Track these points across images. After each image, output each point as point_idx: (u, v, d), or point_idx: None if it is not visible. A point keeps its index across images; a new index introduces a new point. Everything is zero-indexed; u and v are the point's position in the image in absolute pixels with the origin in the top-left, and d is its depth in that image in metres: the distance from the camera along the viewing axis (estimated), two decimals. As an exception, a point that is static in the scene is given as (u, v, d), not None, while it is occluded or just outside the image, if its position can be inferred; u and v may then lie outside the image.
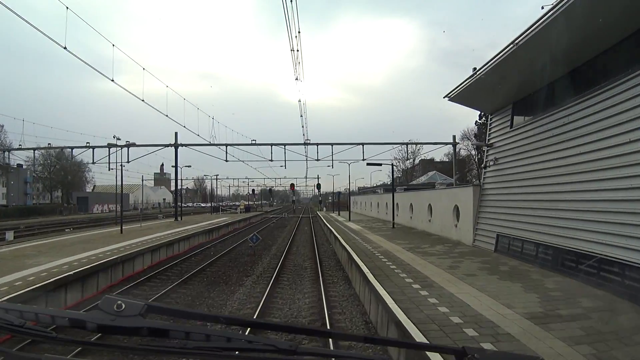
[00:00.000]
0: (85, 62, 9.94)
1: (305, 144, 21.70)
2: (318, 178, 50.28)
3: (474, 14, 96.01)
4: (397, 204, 16.42)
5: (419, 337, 3.53)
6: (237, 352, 0.85)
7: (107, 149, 17.03)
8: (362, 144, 19.82)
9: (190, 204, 57.49)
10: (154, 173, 61.79)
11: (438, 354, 3.05)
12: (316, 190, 60.73)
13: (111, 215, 36.06)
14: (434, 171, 41.17)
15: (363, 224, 16.78)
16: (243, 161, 21.28)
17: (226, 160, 20.12)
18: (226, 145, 21.14)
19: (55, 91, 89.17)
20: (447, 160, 52.52)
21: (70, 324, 0.84)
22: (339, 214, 29.09)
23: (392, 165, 23.36)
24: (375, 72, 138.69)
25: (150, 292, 7.11)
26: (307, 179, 54.68)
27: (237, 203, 55.82)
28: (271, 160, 21.00)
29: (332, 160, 21.54)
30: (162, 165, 70.12)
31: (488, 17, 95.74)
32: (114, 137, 16.91)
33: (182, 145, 20.01)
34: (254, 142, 19.87)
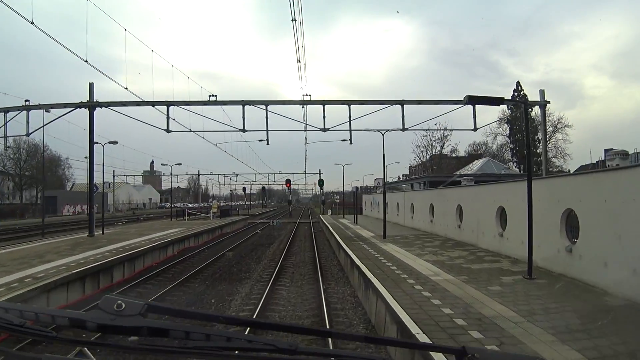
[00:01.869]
0: (50, 37, 10.51)
1: (303, 102, 15.85)
2: (320, 173, 49.39)
3: (474, 13, 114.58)
4: (498, 208, 10.84)
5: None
6: (237, 352, 0.97)
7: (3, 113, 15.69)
8: (401, 103, 15.65)
9: (179, 205, 63.79)
10: (143, 171, 71.70)
11: (438, 353, 3.54)
12: (317, 189, 61.46)
13: (74, 219, 40.00)
14: (487, 158, 40.08)
15: (426, 252, 11.38)
16: (194, 131, 17.23)
17: (167, 131, 16.04)
18: (167, 104, 15.83)
19: (56, 90, 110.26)
20: (464, 155, 55.52)
21: (70, 323, 0.95)
22: (355, 222, 26.24)
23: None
24: (375, 72, 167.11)
25: None
26: (307, 175, 53.18)
27: (205, 204, 58.51)
28: (243, 131, 16.05)
29: (350, 130, 15.55)
30: (152, 162, 77.59)
31: (488, 17, 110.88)
32: (25, 101, 16.02)
33: (99, 105, 16.16)
34: (213, 97, 15.70)
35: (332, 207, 49.91)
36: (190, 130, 16.76)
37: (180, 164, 39.62)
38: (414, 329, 5.10)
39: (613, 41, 70.37)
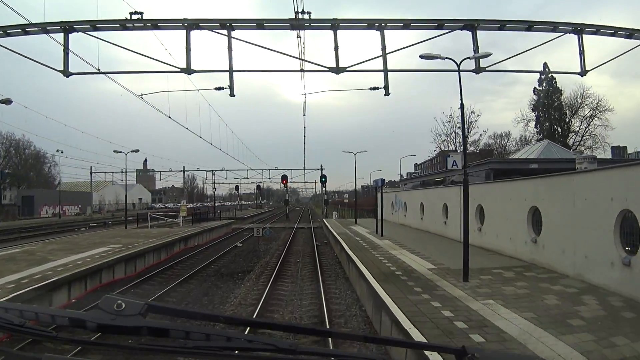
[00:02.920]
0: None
1: (297, 23, 16.40)
2: (322, 169, 61.86)
3: (474, 13, 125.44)
4: None
5: None
6: (237, 352, 1.66)
7: None
8: (473, 25, 16.17)
9: (170, 205, 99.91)
10: (136, 169, 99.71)
11: (438, 353, 5.63)
12: (318, 187, 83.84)
13: (40, 222, 57.36)
14: (545, 141, 48.83)
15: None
16: (105, 73, 17.84)
17: (66, 73, 16.78)
18: (64, 27, 16.67)
19: (55, 90, 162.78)
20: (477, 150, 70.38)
21: (71, 323, 1.65)
22: (380, 233, 27.96)
23: None
24: (375, 71, 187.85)
25: None
26: (306, 171, 69.97)
27: (200, 204, 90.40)
28: (188, 72, 16.77)
29: (386, 70, 16.29)
30: (146, 160, 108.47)
31: (489, 16, 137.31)
32: None
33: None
34: (137, 16, 16.02)
35: (338, 209, 59.73)
36: (99, 72, 16.74)
37: (138, 150, 49.33)
38: None
39: (613, 40, 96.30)
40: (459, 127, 63.46)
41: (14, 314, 1.65)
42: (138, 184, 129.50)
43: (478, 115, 67.13)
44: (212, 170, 75.26)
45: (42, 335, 1.67)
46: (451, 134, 67.06)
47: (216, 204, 78.22)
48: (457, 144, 65.96)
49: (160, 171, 77.87)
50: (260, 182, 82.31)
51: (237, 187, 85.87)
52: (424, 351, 6.27)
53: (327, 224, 38.98)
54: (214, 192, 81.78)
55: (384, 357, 5.54)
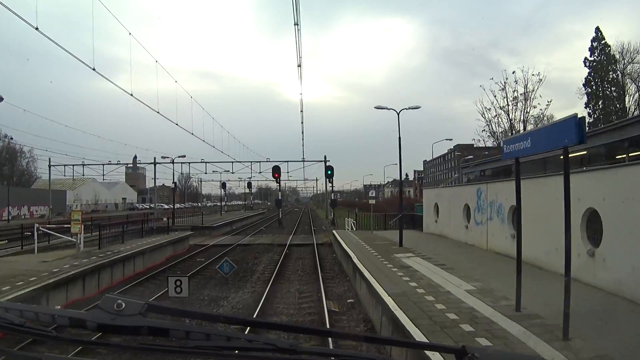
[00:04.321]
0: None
1: None
2: (326, 160, 54.93)
3: (475, 12, 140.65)
4: None
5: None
6: (237, 351, 1.69)
7: None
8: None
9: (162, 206, 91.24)
10: (126, 166, 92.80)
11: (438, 353, 5.89)
12: (319, 186, 73.62)
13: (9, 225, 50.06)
14: None
15: None
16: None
17: None
18: None
19: (56, 90, 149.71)
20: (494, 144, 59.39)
21: (71, 323, 1.70)
22: (538, 312, 9.69)
23: None
24: (376, 71, 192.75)
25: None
26: (305, 164, 60.40)
27: (191, 204, 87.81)
28: None
29: None
30: (135, 157, 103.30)
31: (489, 16, 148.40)
32: None
33: None
34: None
35: (357, 214, 40.15)
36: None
37: (1, 98, 37.02)
38: None
39: (614, 40, 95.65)
40: (513, 98, 53.58)
41: (14, 314, 1.68)
42: (122, 182, 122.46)
43: (540, 80, 52.77)
44: (174, 161, 59.14)
45: (42, 335, 1.71)
46: (505, 106, 54.17)
47: (208, 205, 76.17)
48: (514, 120, 54.02)
49: (139, 163, 77.08)
50: (250, 178, 77.57)
51: (224, 185, 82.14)
52: (425, 351, 6.49)
53: (342, 243, 24.42)
54: (174, 188, 66.82)
55: (384, 357, 5.55)
